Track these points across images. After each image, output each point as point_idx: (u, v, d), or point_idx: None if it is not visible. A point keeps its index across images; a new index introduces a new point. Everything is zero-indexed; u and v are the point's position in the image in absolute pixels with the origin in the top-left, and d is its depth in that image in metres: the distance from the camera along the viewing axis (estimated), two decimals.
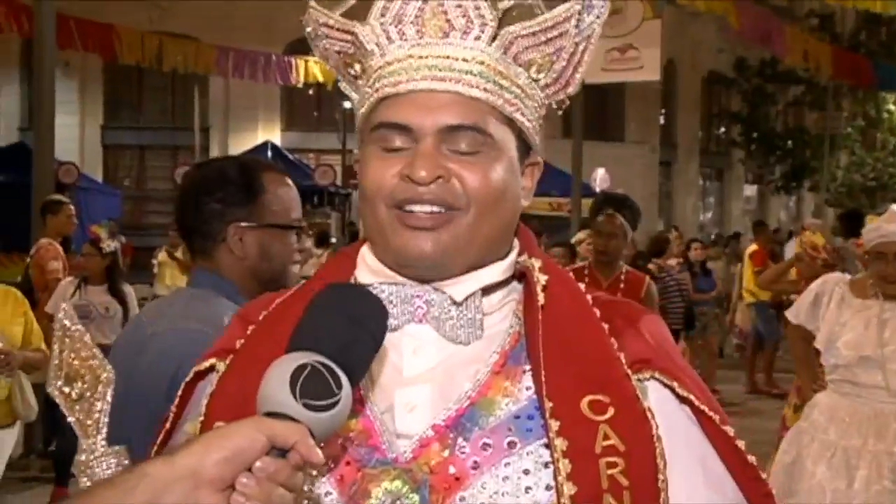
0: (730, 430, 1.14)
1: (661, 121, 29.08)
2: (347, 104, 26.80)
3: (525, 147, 1.20)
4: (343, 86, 1.26)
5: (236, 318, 1.25)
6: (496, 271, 1.18)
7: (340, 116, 23.98)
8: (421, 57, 1.14)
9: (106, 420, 1.05)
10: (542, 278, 1.16)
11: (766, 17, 15.27)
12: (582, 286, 1.22)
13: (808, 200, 31.41)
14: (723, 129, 31.19)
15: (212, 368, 1.20)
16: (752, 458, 1.14)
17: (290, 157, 20.75)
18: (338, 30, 1.20)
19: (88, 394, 1.06)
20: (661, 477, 1.07)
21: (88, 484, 1.01)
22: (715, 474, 1.13)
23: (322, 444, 0.94)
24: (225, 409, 1.11)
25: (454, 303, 1.15)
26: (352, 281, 1.19)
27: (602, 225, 5.14)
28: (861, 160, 25.73)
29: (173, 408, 1.22)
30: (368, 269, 1.19)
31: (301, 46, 22.08)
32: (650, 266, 8.92)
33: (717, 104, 31.34)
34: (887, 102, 25.18)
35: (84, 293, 6.24)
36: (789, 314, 4.36)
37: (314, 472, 1.02)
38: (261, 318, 1.21)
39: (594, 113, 22.04)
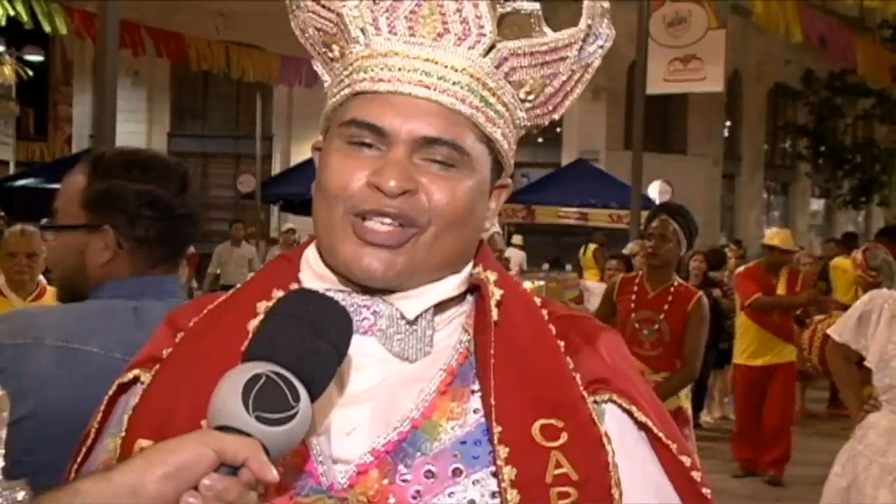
0: (686, 461, 1.08)
1: (725, 133, 28.64)
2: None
3: (498, 168, 1.14)
4: (317, 66, 1.19)
5: (164, 325, 1.16)
6: (450, 286, 1.11)
7: None
8: (408, 56, 1.07)
9: (1, 451, 0.95)
10: (497, 293, 1.09)
11: (833, 27, 14.94)
12: (538, 300, 1.15)
13: (876, 216, 30.63)
14: (789, 143, 30.60)
15: (136, 380, 1.12)
16: (706, 491, 1.08)
17: None
18: (322, 6, 1.14)
19: None
20: None
21: None
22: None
23: (277, 461, 0.88)
24: (148, 424, 1.04)
25: (404, 319, 1.08)
26: (294, 286, 1.11)
27: (655, 229, 5.03)
28: None
29: (94, 423, 1.14)
30: (313, 274, 1.12)
31: None
32: (711, 276, 8.80)
33: (783, 117, 30.76)
34: None
35: None
36: (832, 332, 4.22)
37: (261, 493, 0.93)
38: (191, 324, 1.13)
39: (656, 124, 21.81)
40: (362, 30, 1.10)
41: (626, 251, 9.10)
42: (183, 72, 24.80)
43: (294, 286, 1.11)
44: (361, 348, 1.07)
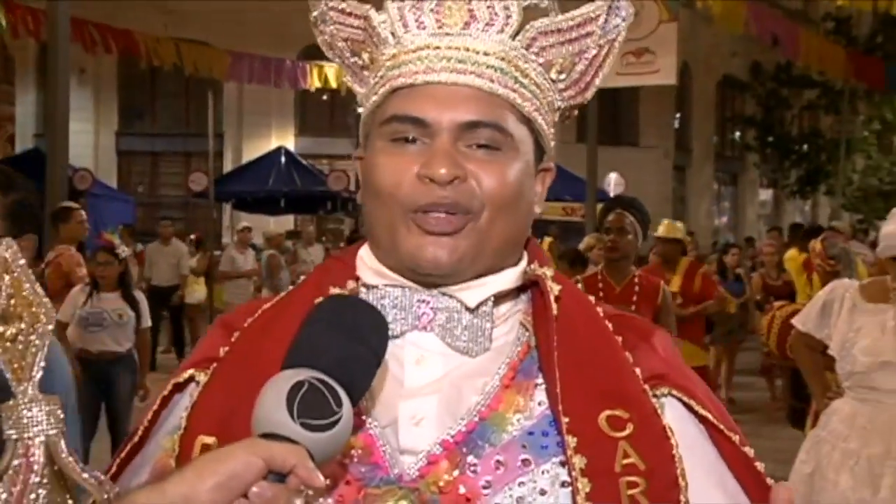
0: (749, 451, 1.08)
1: (676, 125, 29.00)
2: (361, 109, 26.83)
3: (539, 151, 1.15)
4: (347, 79, 1.20)
5: (218, 326, 1.18)
6: (508, 279, 1.12)
7: (354, 122, 23.92)
8: (439, 47, 1.08)
9: (42, 364, 0.97)
10: (556, 288, 1.10)
11: (780, 20, 15.19)
12: (592, 298, 1.16)
13: (823, 205, 31.24)
14: (737, 134, 31.07)
15: (191, 380, 1.12)
16: (770, 481, 1.08)
17: (304, 162, 20.75)
18: (349, 14, 1.14)
19: (23, 336, 0.98)
20: (682, 499, 1.01)
21: (15, 435, 0.95)
22: (733, 497, 1.08)
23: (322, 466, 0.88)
24: (209, 421, 1.05)
25: (466, 309, 1.09)
26: (352, 283, 1.12)
27: (612, 222, 5.04)
28: (877, 164, 25.56)
29: (145, 421, 1.14)
30: (371, 272, 1.13)
31: (315, 52, 22.19)
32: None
33: (731, 108, 31.23)
34: None
35: (97, 300, 6.22)
36: (796, 322, 4.28)
37: (311, 494, 0.95)
38: (246, 325, 1.13)
39: (608, 117, 22.00)
40: (392, 31, 1.11)
41: (581, 246, 9.15)
42: (130, 70, 24.41)
43: (351, 284, 1.12)
44: (422, 343, 1.09)
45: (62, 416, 0.97)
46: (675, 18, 11.83)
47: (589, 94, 1.17)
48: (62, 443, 0.96)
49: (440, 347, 1.09)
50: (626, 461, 1.00)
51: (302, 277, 1.23)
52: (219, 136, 21.31)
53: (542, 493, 1.01)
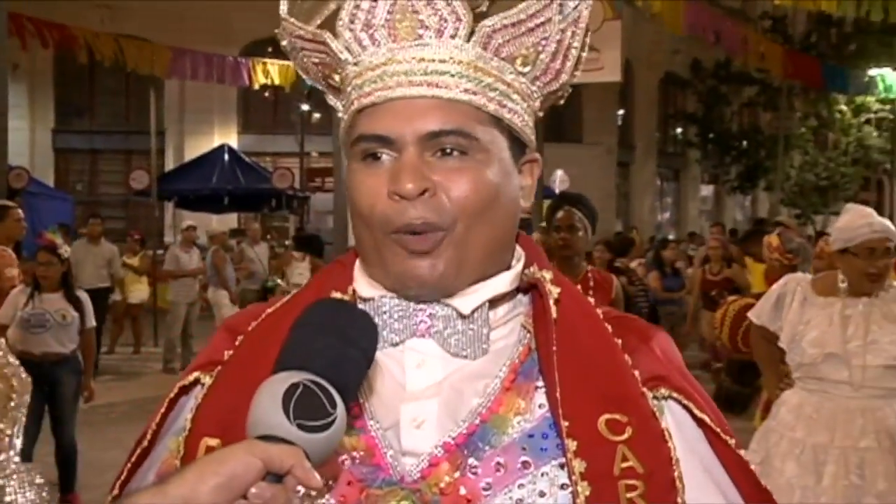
0: (746, 455, 1.10)
1: (619, 122, 29.33)
2: (305, 107, 26.71)
3: (520, 145, 1.14)
4: (330, 98, 1.20)
5: (223, 330, 1.19)
6: (503, 282, 1.12)
7: (298, 119, 23.83)
8: (395, 61, 1.08)
9: (21, 432, 0.98)
10: (555, 291, 1.10)
11: (720, 19, 15.44)
12: (592, 301, 1.17)
13: (762, 200, 31.86)
14: (679, 130, 31.52)
15: (196, 382, 1.14)
16: (765, 484, 1.10)
17: (247, 160, 20.54)
18: (310, 41, 1.14)
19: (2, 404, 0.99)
20: (680, 501, 1.02)
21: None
22: (731, 500, 1.09)
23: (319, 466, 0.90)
24: (213, 423, 1.06)
25: (460, 316, 1.09)
26: (350, 292, 1.14)
27: (561, 220, 5.07)
28: (814, 160, 26.12)
29: (153, 424, 1.15)
30: (366, 282, 1.14)
31: (257, 49, 21.98)
32: (618, 265, 8.92)
33: (673, 105, 31.69)
34: (838, 103, 25.57)
35: (39, 301, 6.07)
36: (752, 315, 4.37)
37: (314, 495, 0.97)
38: (250, 328, 1.15)
39: (552, 115, 22.12)
40: (348, 49, 1.11)
41: None
42: (67, 66, 23.88)
43: (352, 290, 1.14)
44: (421, 348, 1.10)
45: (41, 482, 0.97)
46: (618, 16, 11.92)
47: (565, 77, 1.15)
48: None
49: (439, 352, 1.10)
50: (624, 464, 1.01)
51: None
52: (160, 133, 20.98)
53: (542, 495, 1.02)
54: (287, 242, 20.64)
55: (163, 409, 1.15)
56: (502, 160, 1.10)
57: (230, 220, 22.18)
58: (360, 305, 1.12)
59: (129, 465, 1.16)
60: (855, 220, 4.05)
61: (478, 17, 1.10)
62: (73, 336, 6.13)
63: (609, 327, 1.12)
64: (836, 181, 25.83)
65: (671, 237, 20.54)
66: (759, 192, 30.34)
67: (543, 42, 1.11)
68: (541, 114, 1.19)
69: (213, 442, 1.04)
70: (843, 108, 25.75)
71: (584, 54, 1.14)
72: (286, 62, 18.09)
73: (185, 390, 1.15)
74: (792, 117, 25.07)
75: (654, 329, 1.17)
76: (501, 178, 1.10)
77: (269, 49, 17.39)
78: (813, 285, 4.12)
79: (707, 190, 33.86)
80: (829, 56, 23.86)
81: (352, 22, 1.10)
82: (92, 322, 6.36)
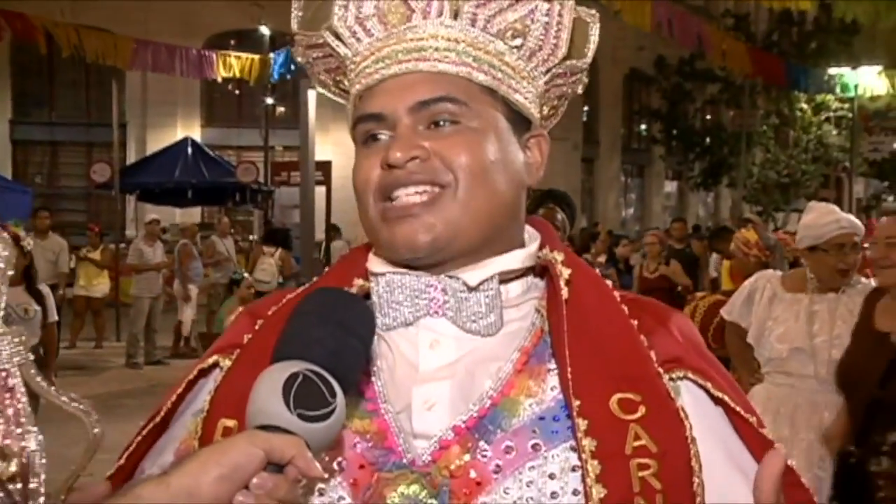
0: (768, 434, 1.08)
1: (584, 118, 29.46)
2: (270, 100, 26.36)
3: (521, 119, 1.14)
4: (349, 107, 1.20)
5: (244, 314, 1.21)
6: (514, 259, 1.12)
7: (262, 113, 23.65)
8: (387, 46, 1.12)
9: (3, 302, 1.03)
10: (566, 272, 1.11)
11: (683, 16, 15.56)
12: (609, 283, 1.17)
13: (725, 196, 32.20)
14: (644, 127, 31.75)
15: (215, 365, 1.15)
16: (792, 462, 1.08)
17: (211, 153, 20.35)
18: (316, 47, 1.18)
19: None
20: (696, 480, 1.01)
21: None
22: (752, 479, 1.06)
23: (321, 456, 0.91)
24: (230, 405, 1.07)
25: (468, 287, 1.09)
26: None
27: (544, 217, 5.08)
28: (775, 157, 26.43)
29: (168, 403, 1.16)
30: (378, 261, 1.15)
31: (221, 41, 21.80)
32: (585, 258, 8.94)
33: (637, 101, 31.90)
34: (799, 101, 25.92)
35: None
36: (723, 311, 4.42)
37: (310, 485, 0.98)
38: (270, 313, 1.16)
39: None
40: (347, 45, 1.15)
41: None
42: (24, 56, 23.48)
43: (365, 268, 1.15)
44: (435, 327, 1.10)
45: (28, 345, 1.03)
46: None
47: (563, 51, 1.14)
48: (33, 370, 1.03)
49: (453, 331, 1.10)
50: (637, 443, 1.00)
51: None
52: (122, 125, 20.72)
53: (552, 477, 1.01)
54: (251, 237, 20.48)
55: (180, 390, 1.16)
56: (498, 129, 1.11)
57: (194, 213, 21.96)
58: (372, 285, 1.13)
59: (139, 439, 1.16)
60: (822, 218, 4.10)
61: None
62: (35, 331, 6.04)
63: (626, 308, 1.12)
64: (797, 178, 26.19)
65: (634, 232, 20.68)
66: (722, 189, 30.66)
67: (530, 15, 1.12)
68: (556, 102, 1.20)
69: (231, 423, 1.05)
70: (804, 106, 26.11)
71: (568, 25, 1.13)
72: (250, 55, 17.97)
73: (203, 373, 1.16)
74: (754, 115, 25.34)
75: (671, 311, 1.17)
76: (498, 147, 1.10)
77: (233, 42, 17.25)
78: (783, 282, 4.17)
79: (671, 186, 34.16)
80: (791, 54, 24.16)
81: (344, 17, 1.14)
82: (55, 316, 6.27)
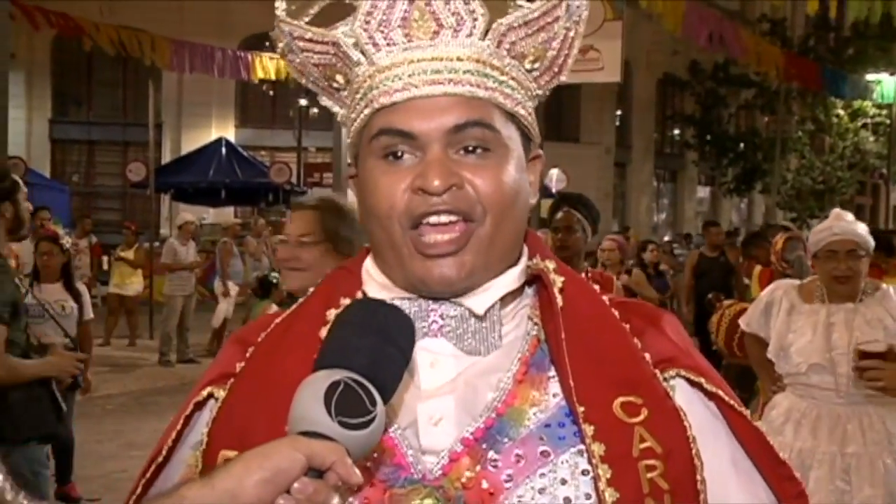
0: (762, 427, 1.11)
1: (617, 122, 29.33)
2: (303, 101, 26.38)
3: (527, 141, 1.16)
4: (324, 100, 1.20)
5: (232, 342, 1.20)
6: (511, 278, 1.13)
7: (296, 114, 23.81)
8: (412, 61, 1.09)
9: None
10: (559, 280, 1.11)
11: (720, 21, 15.45)
12: (597, 287, 1.18)
13: (758, 203, 31.90)
14: (677, 132, 31.50)
15: (210, 397, 1.15)
16: (784, 456, 1.11)
17: (245, 153, 20.52)
18: (316, 42, 1.14)
19: None
20: (699, 477, 1.04)
21: None
22: (746, 474, 1.11)
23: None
24: (229, 436, 1.07)
25: (474, 315, 1.10)
26: (360, 295, 1.14)
27: (560, 221, 5.09)
28: (810, 164, 26.16)
29: (168, 440, 1.15)
30: (377, 285, 1.14)
31: (257, 42, 21.92)
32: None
33: (671, 106, 31.68)
34: (835, 107, 25.62)
35: (38, 291, 6.07)
36: (742, 322, 4.38)
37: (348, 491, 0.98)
38: (259, 339, 1.15)
39: (550, 113, 22.17)
40: (362, 51, 1.12)
41: None
42: (65, 56, 23.83)
43: (359, 295, 1.14)
44: (433, 348, 1.10)
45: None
46: (619, 17, 11.93)
47: (563, 77, 1.17)
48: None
49: (451, 350, 1.11)
50: (642, 445, 1.02)
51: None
52: (158, 125, 20.96)
53: (563, 482, 1.03)
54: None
55: (178, 426, 1.15)
56: (519, 156, 1.12)
57: (227, 213, 22.16)
58: None
59: (143, 480, 1.15)
60: (822, 225, 4.10)
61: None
62: (72, 326, 6.13)
63: (616, 312, 1.13)
64: (832, 185, 25.90)
65: (667, 238, 20.54)
66: (756, 195, 30.37)
67: (550, 40, 1.13)
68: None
69: (231, 454, 1.01)
70: (840, 112, 25.81)
71: (575, 52, 1.16)
72: None
73: (198, 406, 1.16)
74: (789, 121, 25.10)
75: (661, 311, 1.19)
76: (519, 174, 1.11)
77: (268, 43, 17.35)
78: (800, 292, 4.14)
79: (704, 192, 33.88)
80: (827, 60, 23.89)
81: (367, 21, 1.10)
82: (90, 314, 6.35)
